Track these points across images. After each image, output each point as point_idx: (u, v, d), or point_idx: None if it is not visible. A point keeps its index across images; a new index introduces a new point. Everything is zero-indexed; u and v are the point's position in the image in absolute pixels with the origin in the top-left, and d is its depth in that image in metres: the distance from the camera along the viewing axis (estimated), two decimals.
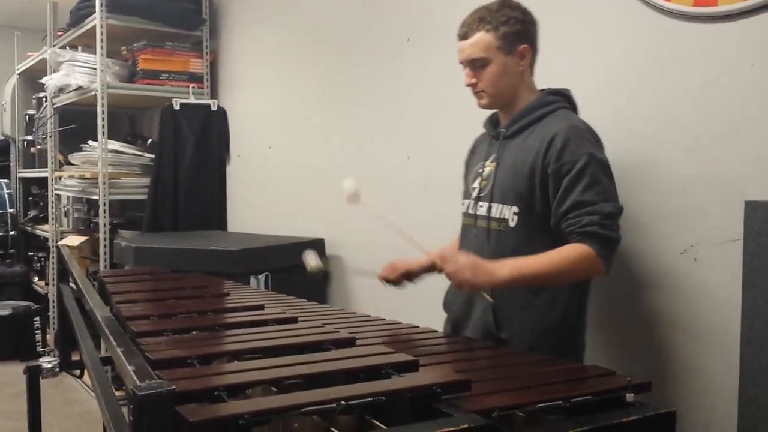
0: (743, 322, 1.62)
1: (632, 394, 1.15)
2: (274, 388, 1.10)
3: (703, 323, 1.81)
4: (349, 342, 1.39)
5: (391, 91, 2.87)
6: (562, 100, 1.83)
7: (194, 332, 1.47)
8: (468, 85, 1.83)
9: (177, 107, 4.07)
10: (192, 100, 4.13)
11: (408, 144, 2.79)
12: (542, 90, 1.86)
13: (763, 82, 1.67)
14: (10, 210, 5.62)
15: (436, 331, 1.83)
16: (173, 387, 0.86)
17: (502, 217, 1.77)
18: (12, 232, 5.59)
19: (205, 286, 2.11)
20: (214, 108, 4.16)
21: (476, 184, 1.86)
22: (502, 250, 1.74)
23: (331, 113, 3.26)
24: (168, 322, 1.55)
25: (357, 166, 3.08)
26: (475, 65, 1.79)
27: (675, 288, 1.87)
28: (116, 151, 4.10)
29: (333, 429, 1.00)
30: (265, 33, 3.81)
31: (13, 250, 5.62)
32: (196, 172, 4.10)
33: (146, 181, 4.11)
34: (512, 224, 1.75)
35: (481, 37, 1.76)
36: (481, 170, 1.87)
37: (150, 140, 4.40)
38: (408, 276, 2.02)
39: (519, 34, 1.77)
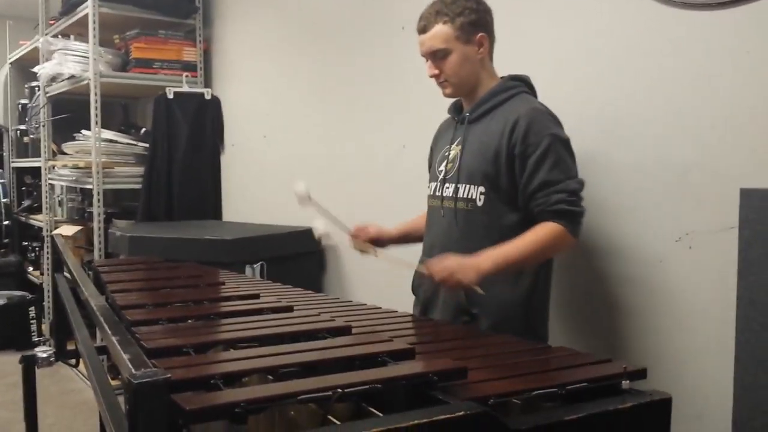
0: (738, 309, 1.62)
1: (628, 381, 1.15)
2: (270, 377, 1.10)
3: (698, 311, 1.81)
4: (345, 330, 1.39)
5: (385, 80, 2.86)
6: (522, 85, 1.91)
7: (190, 321, 1.47)
8: (431, 76, 1.90)
9: (170, 96, 4.05)
10: (185, 88, 4.11)
11: (403, 133, 2.78)
12: (503, 77, 1.93)
13: (760, 70, 1.67)
14: (4, 200, 5.59)
15: (432, 319, 1.83)
16: (169, 375, 0.86)
17: (469, 197, 1.84)
18: (6, 222, 5.57)
19: (200, 276, 2.11)
20: (207, 97, 4.15)
21: (442, 167, 1.94)
22: (470, 229, 1.83)
23: (325, 102, 3.25)
24: (163, 311, 1.55)
25: (352, 154, 3.07)
26: (436, 56, 1.86)
27: (670, 275, 1.87)
28: (110, 141, 4.08)
29: (329, 417, 1.01)
30: (259, 21, 3.79)
31: (7, 240, 5.60)
32: (190, 162, 4.08)
33: (140, 170, 4.10)
34: (480, 204, 1.83)
35: (440, 29, 1.84)
36: (447, 153, 1.94)
37: (144, 129, 4.38)
38: (376, 242, 2.07)
39: (475, 23, 1.85)
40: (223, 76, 4.17)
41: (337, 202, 2.51)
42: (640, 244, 1.94)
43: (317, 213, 2.04)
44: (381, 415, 0.99)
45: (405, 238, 2.14)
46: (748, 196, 1.60)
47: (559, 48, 2.15)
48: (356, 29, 3.01)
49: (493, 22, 1.91)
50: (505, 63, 1.98)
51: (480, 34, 1.86)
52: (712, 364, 1.78)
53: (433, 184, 1.98)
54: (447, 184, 1.90)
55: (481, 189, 1.82)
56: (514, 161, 1.78)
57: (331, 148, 3.21)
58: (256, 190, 3.89)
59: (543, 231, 1.73)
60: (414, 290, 2.05)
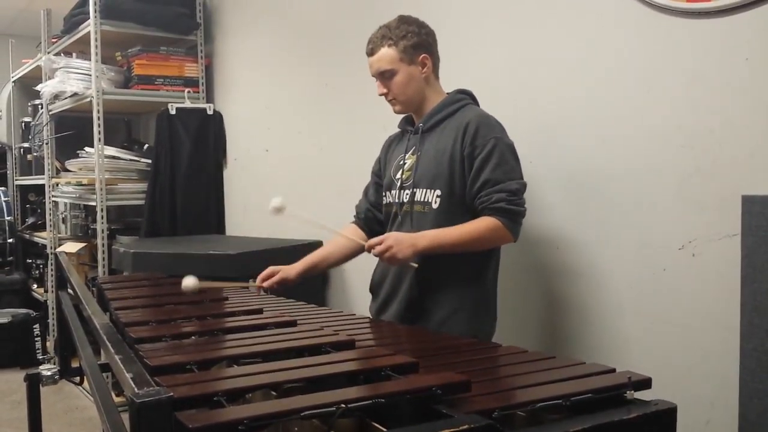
0: (742, 317, 1.62)
1: (633, 391, 1.14)
2: (273, 393, 1.10)
3: (703, 319, 1.81)
4: (349, 344, 1.38)
5: None
6: (468, 98, 2.09)
7: (193, 337, 1.46)
8: (381, 95, 2.07)
9: (173, 112, 4.06)
10: (188, 104, 4.13)
11: None
12: (449, 92, 2.10)
13: (758, 76, 1.67)
14: (8, 218, 5.61)
15: (435, 332, 1.82)
16: (171, 394, 0.86)
17: (425, 200, 1.99)
18: (10, 240, 5.59)
19: (203, 291, 2.10)
20: (210, 112, 4.16)
21: (399, 175, 2.08)
22: (424, 230, 1.94)
23: (326, 114, 3.26)
24: (167, 327, 1.54)
25: (353, 166, 3.07)
26: (384, 77, 2.04)
27: (674, 284, 1.87)
28: (113, 157, 4.09)
29: None
30: (260, 36, 3.81)
31: (11, 258, 5.61)
32: (193, 177, 4.09)
33: (143, 186, 4.11)
34: (435, 206, 1.97)
35: (385, 52, 2.02)
36: (402, 162, 2.09)
37: (146, 145, 4.40)
38: (283, 282, 2.16)
39: (417, 45, 2.02)
40: (224, 91, 4.19)
41: (339, 214, 2.51)
42: (643, 253, 1.94)
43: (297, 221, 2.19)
44: (385, 430, 0.99)
45: (312, 271, 2.22)
46: (750, 203, 1.60)
47: (554, 57, 2.15)
48: (355, 43, 3.01)
49: (436, 43, 2.08)
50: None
51: (422, 55, 2.03)
52: (717, 371, 1.77)
53: (390, 192, 2.12)
54: (405, 191, 2.04)
55: (437, 192, 1.96)
56: (465, 162, 1.94)
57: (333, 160, 3.22)
58: (258, 204, 3.89)
59: (482, 223, 1.88)
60: (373, 290, 2.19)
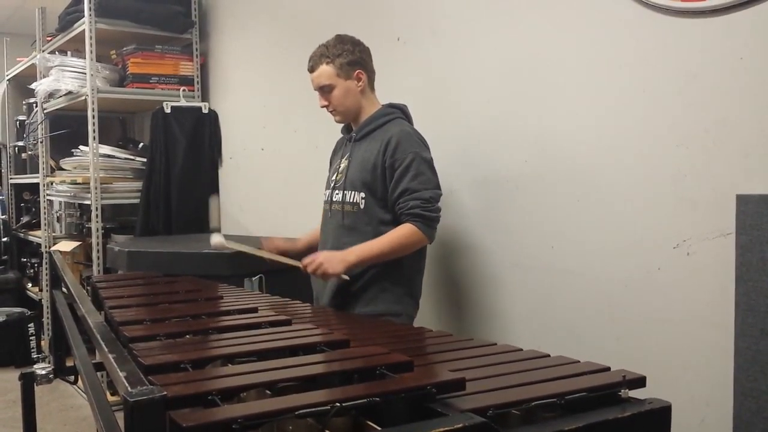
0: (737, 315, 1.62)
1: (627, 390, 1.14)
2: (268, 391, 1.10)
3: (697, 317, 1.81)
4: (343, 343, 1.38)
5: (381, 91, 2.86)
6: (398, 112, 2.31)
7: (188, 336, 1.46)
8: (322, 107, 2.32)
9: (168, 110, 4.05)
10: (183, 103, 4.12)
11: None
12: (384, 104, 2.32)
13: (753, 76, 1.67)
14: (3, 216, 5.60)
15: (431, 330, 1.82)
16: (165, 393, 0.86)
17: (354, 201, 2.24)
18: (4, 239, 5.57)
19: (198, 290, 2.10)
20: (205, 111, 4.16)
21: (334, 177, 2.35)
22: (354, 226, 2.22)
23: (321, 113, 3.24)
24: (161, 326, 1.54)
25: None
26: (324, 91, 2.28)
27: (668, 283, 1.87)
28: (108, 156, 4.08)
29: (327, 431, 1.00)
30: (255, 35, 3.80)
31: (6, 257, 5.60)
32: (188, 175, 4.08)
33: (138, 185, 4.10)
34: (362, 206, 2.22)
35: (324, 69, 2.25)
36: (338, 166, 2.35)
37: (141, 144, 4.39)
38: (282, 253, 2.41)
39: (353, 62, 2.25)
40: (220, 89, 4.18)
41: None
42: (638, 252, 1.94)
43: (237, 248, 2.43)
44: (379, 428, 0.99)
45: (312, 247, 2.45)
46: (744, 202, 1.61)
47: (548, 57, 2.16)
48: None
49: (370, 59, 2.31)
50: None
51: (357, 71, 2.26)
52: (711, 370, 1.77)
53: (327, 192, 2.37)
54: (336, 191, 2.30)
55: (362, 194, 2.22)
56: (386, 172, 2.17)
57: (328, 158, 3.21)
58: (254, 202, 3.89)
59: (400, 231, 2.13)
60: (316, 301, 2.39)
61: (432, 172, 2.19)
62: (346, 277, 2.14)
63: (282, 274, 2.90)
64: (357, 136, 2.30)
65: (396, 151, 2.15)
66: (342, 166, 2.32)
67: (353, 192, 2.24)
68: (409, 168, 2.14)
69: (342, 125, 2.42)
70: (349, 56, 2.25)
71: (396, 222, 2.18)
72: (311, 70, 2.29)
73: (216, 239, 2.43)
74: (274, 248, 2.44)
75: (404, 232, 2.12)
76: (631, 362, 1.94)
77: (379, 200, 2.20)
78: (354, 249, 2.14)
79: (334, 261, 2.11)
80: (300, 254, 2.33)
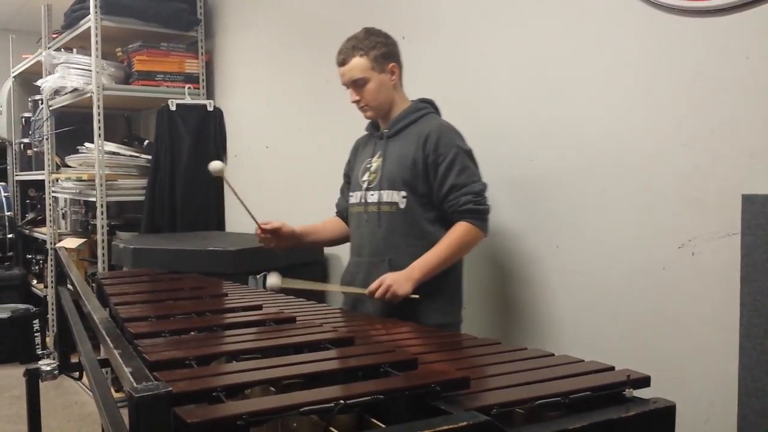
0: (742, 315, 1.62)
1: (632, 390, 1.14)
2: (272, 388, 1.10)
3: (702, 317, 1.81)
4: (348, 341, 1.38)
5: None
6: (430, 107, 2.23)
7: (192, 333, 1.46)
8: (353, 102, 2.19)
9: (173, 108, 4.06)
10: (188, 100, 4.13)
11: None
12: (413, 100, 2.24)
13: (759, 75, 1.67)
14: (8, 213, 5.61)
15: (434, 328, 1.82)
16: (170, 388, 0.86)
17: (392, 201, 2.12)
18: (10, 235, 5.59)
19: (203, 287, 2.11)
20: (210, 108, 4.16)
21: (365, 177, 2.21)
22: (393, 228, 2.12)
23: (326, 112, 3.26)
24: (166, 323, 1.54)
25: None
26: (356, 85, 2.16)
27: (674, 282, 1.87)
28: (113, 153, 4.09)
29: (332, 428, 1.00)
30: (260, 32, 3.81)
31: (11, 253, 5.62)
32: (193, 173, 4.08)
33: (143, 182, 4.11)
34: (402, 206, 2.11)
35: (357, 62, 2.14)
36: (368, 165, 2.22)
37: (146, 141, 4.40)
38: (276, 232, 2.31)
39: (386, 54, 2.17)
40: (225, 87, 4.19)
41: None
42: (643, 252, 1.94)
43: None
44: (383, 426, 0.99)
45: (303, 237, 2.37)
46: (750, 202, 1.60)
47: (555, 57, 2.15)
48: None
49: (400, 53, 2.22)
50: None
51: (391, 64, 2.17)
52: (716, 370, 1.77)
53: (357, 193, 2.24)
54: (371, 192, 2.18)
55: (403, 193, 2.11)
56: (428, 168, 2.08)
57: (333, 157, 3.21)
58: (259, 200, 3.88)
59: (457, 232, 2.04)
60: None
61: (475, 164, 2.12)
62: (416, 296, 2.01)
63: (286, 272, 2.90)
64: (390, 133, 2.19)
65: (438, 146, 2.07)
66: (374, 165, 2.19)
67: (392, 191, 2.13)
68: (454, 162, 2.05)
69: (369, 122, 2.31)
70: (383, 48, 2.16)
71: (441, 219, 2.10)
72: (342, 63, 2.17)
73: (273, 279, 2.26)
74: (271, 229, 2.32)
75: (461, 231, 2.03)
76: (636, 362, 1.95)
77: (421, 197, 2.10)
78: (416, 265, 2.02)
79: (400, 281, 1.99)
80: (293, 237, 2.30)
